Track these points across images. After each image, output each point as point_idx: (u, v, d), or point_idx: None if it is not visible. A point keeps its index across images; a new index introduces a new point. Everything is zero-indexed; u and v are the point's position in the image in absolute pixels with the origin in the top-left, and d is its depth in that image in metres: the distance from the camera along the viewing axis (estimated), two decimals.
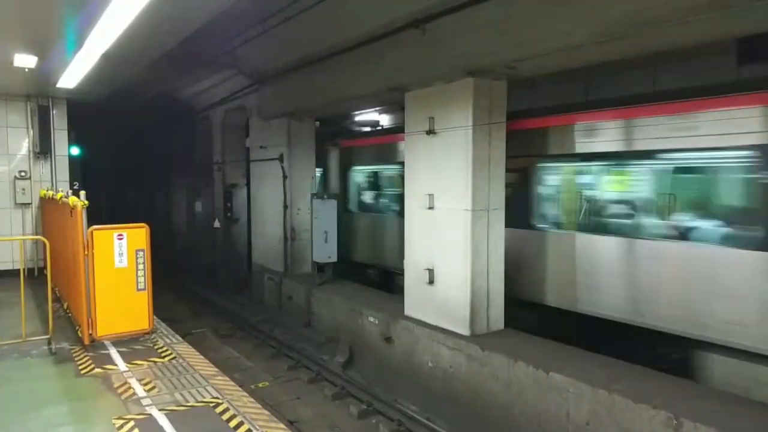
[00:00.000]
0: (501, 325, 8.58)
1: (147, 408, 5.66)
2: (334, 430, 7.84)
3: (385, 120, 15.73)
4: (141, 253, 7.69)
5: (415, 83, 8.83)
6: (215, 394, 6.07)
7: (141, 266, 7.70)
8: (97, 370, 6.78)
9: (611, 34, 5.97)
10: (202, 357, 7.48)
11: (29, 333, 7.73)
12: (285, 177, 13.47)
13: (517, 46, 6.99)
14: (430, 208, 8.77)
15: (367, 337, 10.12)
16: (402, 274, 9.90)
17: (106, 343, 7.75)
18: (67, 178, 13.65)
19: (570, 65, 7.69)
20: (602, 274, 7.95)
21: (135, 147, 24.89)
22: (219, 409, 5.64)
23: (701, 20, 5.34)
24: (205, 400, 5.90)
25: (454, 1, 7.52)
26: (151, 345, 7.80)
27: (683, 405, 5.77)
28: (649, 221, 7.58)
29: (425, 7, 7.86)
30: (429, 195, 8.75)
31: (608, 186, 8.30)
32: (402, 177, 10.12)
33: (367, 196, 13.70)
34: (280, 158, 13.48)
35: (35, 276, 12.30)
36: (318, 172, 14.35)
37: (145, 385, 6.29)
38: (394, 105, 12.97)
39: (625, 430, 5.98)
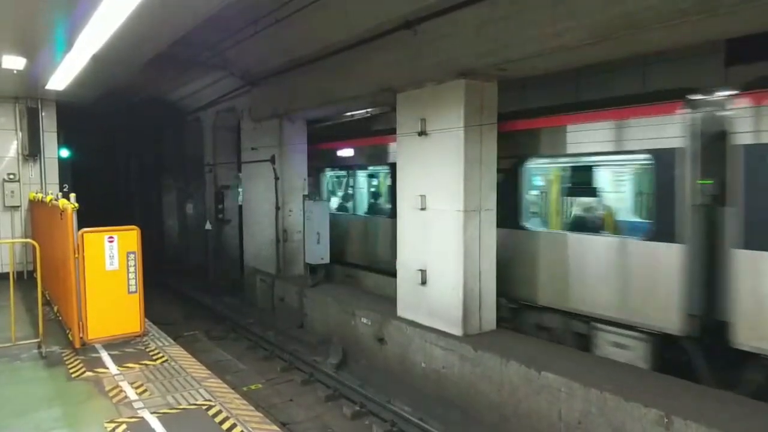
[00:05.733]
0: (493, 325, 8.62)
1: (139, 411, 5.63)
2: None
3: None
4: (132, 256, 7.65)
5: (407, 84, 8.85)
6: (208, 396, 6.05)
7: (132, 269, 7.67)
8: (89, 373, 6.74)
9: (602, 36, 6.02)
10: (194, 359, 7.45)
11: (19, 337, 7.66)
12: (277, 178, 13.45)
13: (508, 48, 7.04)
14: (422, 209, 8.79)
15: (360, 338, 10.12)
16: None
17: (97, 346, 7.70)
18: (57, 181, 13.54)
19: (561, 67, 7.74)
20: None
21: (125, 149, 24.78)
22: (211, 412, 5.63)
23: (689, 22, 5.40)
24: (197, 402, 5.88)
25: (445, 3, 7.55)
26: (143, 348, 7.76)
27: (674, 403, 5.82)
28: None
29: (417, 8, 7.90)
30: (421, 196, 8.77)
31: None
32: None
33: None
34: (272, 159, 13.46)
35: (25, 279, 12.20)
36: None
37: (137, 388, 6.26)
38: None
39: (617, 428, 6.03)
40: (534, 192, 9.36)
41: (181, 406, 5.77)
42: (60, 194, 8.81)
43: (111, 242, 7.51)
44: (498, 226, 8.63)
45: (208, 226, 17.13)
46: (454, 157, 8.17)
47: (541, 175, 9.28)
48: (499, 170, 8.64)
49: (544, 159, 8.82)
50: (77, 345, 7.51)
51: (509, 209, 8.88)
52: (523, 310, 8.93)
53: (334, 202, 14.51)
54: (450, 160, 8.24)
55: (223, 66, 13.36)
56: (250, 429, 5.26)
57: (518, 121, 8.84)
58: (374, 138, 12.42)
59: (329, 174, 14.74)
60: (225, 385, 6.59)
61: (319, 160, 14.28)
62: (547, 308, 8.50)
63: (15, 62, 9.25)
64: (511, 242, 8.90)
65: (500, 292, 8.77)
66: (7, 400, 6.03)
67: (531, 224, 8.93)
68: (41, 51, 8.65)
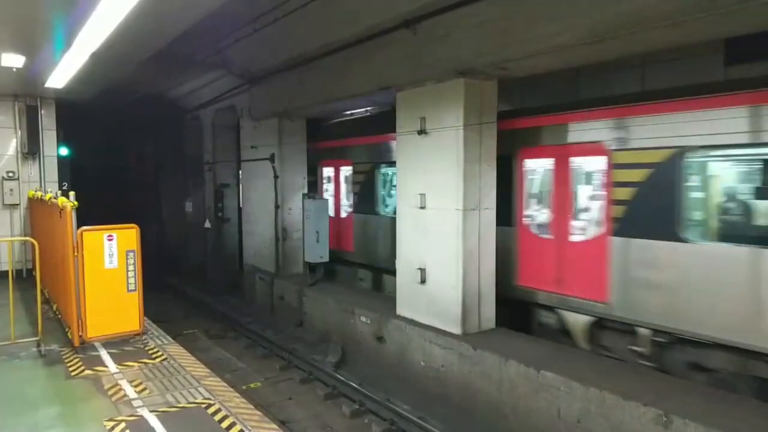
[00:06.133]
0: (492, 324, 8.62)
1: (138, 410, 5.63)
2: (327, 430, 7.84)
3: None
4: (131, 254, 7.64)
5: (407, 83, 8.85)
6: (207, 395, 6.05)
7: (131, 267, 7.66)
8: (88, 371, 6.74)
9: (602, 35, 6.02)
10: (193, 358, 7.45)
11: (18, 335, 7.65)
12: (276, 177, 13.44)
13: (508, 47, 7.03)
14: (422, 207, 8.79)
15: (359, 337, 10.12)
16: None
17: (97, 344, 7.70)
18: (56, 179, 13.54)
19: (561, 65, 7.73)
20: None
21: (125, 147, 24.74)
22: (211, 410, 5.63)
23: (689, 21, 5.40)
24: (196, 401, 5.88)
25: (444, 2, 7.54)
26: (142, 346, 7.76)
27: (672, 402, 5.83)
28: None
29: (416, 7, 7.88)
30: (421, 195, 8.77)
31: None
32: None
33: None
34: (271, 158, 13.45)
35: (24, 277, 12.19)
36: None
37: (136, 386, 6.26)
38: None
39: (616, 427, 6.03)
40: (701, 194, 7.00)
41: (180, 405, 5.77)
42: (59, 192, 8.80)
43: (110, 240, 7.50)
44: (641, 236, 7.14)
45: (207, 224, 17.13)
46: (453, 156, 8.17)
47: (712, 173, 7.05)
48: (640, 166, 7.14)
49: (720, 151, 6.76)
50: (76, 343, 7.50)
51: (661, 216, 6.99)
52: (674, 346, 7.11)
53: (392, 203, 12.27)
54: (449, 159, 8.23)
55: (222, 64, 13.34)
56: (250, 427, 5.26)
57: (669, 102, 6.87)
58: None
59: (384, 171, 12.45)
60: (224, 384, 6.59)
61: (372, 155, 12.47)
62: (710, 344, 6.68)
63: (14, 60, 9.24)
64: (664, 257, 6.96)
65: (645, 324, 7.24)
66: (6, 398, 6.03)
67: (694, 235, 6.88)
68: (40, 49, 8.64)
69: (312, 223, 12.08)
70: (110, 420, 5.38)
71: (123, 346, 7.71)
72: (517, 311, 9.06)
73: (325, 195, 14.20)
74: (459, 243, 8.17)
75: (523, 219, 8.98)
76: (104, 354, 7.41)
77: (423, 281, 8.85)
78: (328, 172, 14.54)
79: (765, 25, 5.70)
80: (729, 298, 6.46)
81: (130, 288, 7.69)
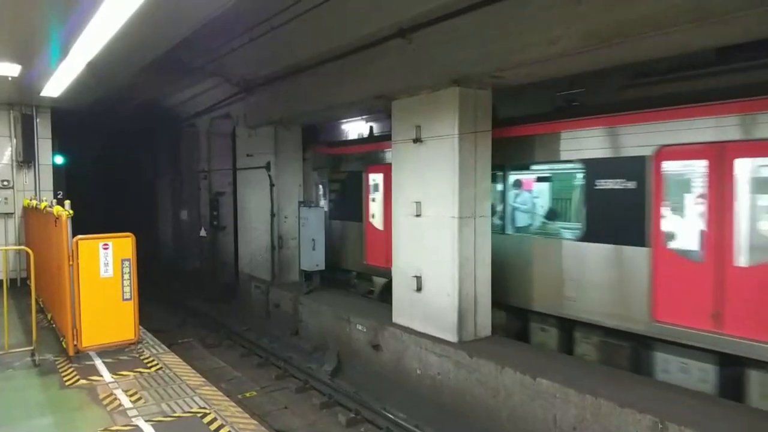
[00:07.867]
0: (488, 331, 8.62)
1: (133, 419, 5.60)
2: None
3: None
4: (127, 263, 7.62)
5: (402, 92, 8.90)
6: (202, 404, 6.03)
7: (127, 276, 7.63)
8: (83, 381, 6.70)
9: (596, 44, 6.07)
10: (188, 367, 7.42)
11: (12, 344, 7.61)
12: (272, 185, 13.46)
13: (502, 55, 7.09)
14: (418, 215, 8.81)
15: (355, 345, 10.11)
16: None
17: (92, 353, 7.66)
18: (51, 188, 13.51)
19: (556, 74, 7.77)
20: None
21: (120, 155, 24.73)
22: (206, 420, 5.60)
23: (681, 30, 5.46)
24: (192, 410, 5.85)
25: (439, 11, 7.60)
26: (137, 355, 7.73)
27: (668, 409, 5.84)
28: None
29: (411, 16, 7.94)
30: (416, 203, 8.79)
31: None
32: None
33: None
34: (267, 166, 13.47)
35: (18, 286, 12.13)
36: None
37: (132, 396, 6.23)
38: None
39: None
40: None
41: (176, 414, 5.75)
42: (54, 201, 8.78)
43: (106, 249, 7.48)
44: None
45: (202, 232, 17.11)
46: (448, 164, 8.20)
47: None
48: None
49: None
50: (71, 353, 7.46)
51: None
52: None
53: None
54: (445, 167, 8.27)
55: (218, 72, 13.38)
56: None
57: None
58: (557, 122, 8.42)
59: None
60: (220, 393, 6.57)
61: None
62: None
63: (10, 69, 9.24)
64: None
65: None
66: (0, 408, 5.99)
67: None
68: (37, 58, 8.64)
69: (308, 231, 12.07)
70: (105, 430, 5.35)
71: (118, 356, 7.68)
72: None
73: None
74: (455, 250, 8.19)
75: None
76: (99, 363, 7.37)
77: (419, 289, 8.86)
78: None
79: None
80: None
81: (125, 297, 7.66)
